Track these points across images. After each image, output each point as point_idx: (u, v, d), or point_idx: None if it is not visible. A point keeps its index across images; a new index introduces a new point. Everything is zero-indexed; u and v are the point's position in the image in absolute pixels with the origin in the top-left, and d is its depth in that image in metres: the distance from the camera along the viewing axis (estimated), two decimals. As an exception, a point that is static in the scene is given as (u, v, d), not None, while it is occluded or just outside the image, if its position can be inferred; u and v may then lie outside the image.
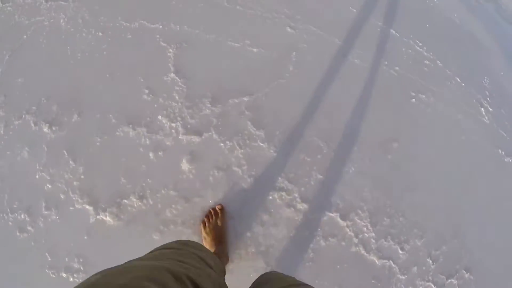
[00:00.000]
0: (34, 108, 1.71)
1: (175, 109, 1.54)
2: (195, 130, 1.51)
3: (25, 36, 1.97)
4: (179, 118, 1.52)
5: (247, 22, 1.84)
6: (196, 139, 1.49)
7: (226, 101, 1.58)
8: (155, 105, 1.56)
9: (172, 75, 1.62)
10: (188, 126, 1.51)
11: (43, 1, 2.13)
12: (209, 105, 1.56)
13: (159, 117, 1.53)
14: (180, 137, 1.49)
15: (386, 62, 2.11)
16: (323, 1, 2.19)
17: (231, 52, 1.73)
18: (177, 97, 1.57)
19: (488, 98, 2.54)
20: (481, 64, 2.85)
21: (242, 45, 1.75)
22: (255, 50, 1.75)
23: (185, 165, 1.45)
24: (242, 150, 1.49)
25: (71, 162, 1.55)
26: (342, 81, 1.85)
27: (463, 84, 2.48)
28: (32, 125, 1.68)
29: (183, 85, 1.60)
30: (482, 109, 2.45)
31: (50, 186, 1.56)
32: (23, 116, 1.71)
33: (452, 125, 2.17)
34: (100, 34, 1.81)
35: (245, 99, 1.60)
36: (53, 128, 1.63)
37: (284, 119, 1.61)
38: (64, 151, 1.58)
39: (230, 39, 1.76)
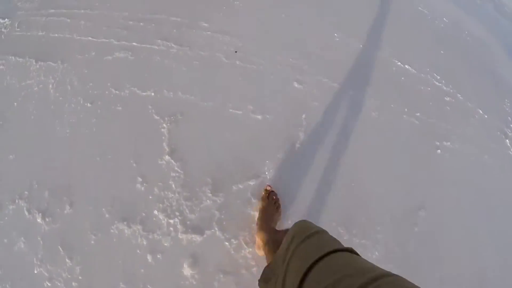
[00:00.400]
0: (26, 193, 1.44)
1: (172, 201, 1.23)
2: (196, 227, 1.19)
3: (15, 103, 1.67)
4: (177, 213, 1.21)
5: (248, 81, 1.45)
6: (197, 238, 1.18)
7: (229, 188, 1.25)
8: (150, 197, 1.25)
9: (167, 157, 1.29)
10: (188, 222, 1.20)
11: (33, 61, 1.81)
12: (210, 194, 1.23)
13: (155, 211, 1.22)
14: (180, 236, 1.19)
15: (406, 109, 1.68)
16: (329, 42, 1.75)
17: (232, 122, 1.36)
18: (173, 186, 1.25)
19: (511, 125, 2.11)
20: (498, 82, 2.38)
21: (245, 111, 1.38)
22: (259, 117, 1.38)
23: (186, 270, 1.16)
24: (250, 249, 1.17)
25: (67, 260, 1.29)
26: (360, 142, 1.46)
27: (485, 116, 2.06)
28: (26, 212, 1.42)
29: (180, 170, 1.27)
30: (507, 140, 2.03)
31: (49, 284, 1.31)
32: (16, 201, 1.45)
33: (480, 169, 1.77)
34: (88, 105, 1.49)
35: (251, 183, 1.26)
36: (47, 220, 1.36)
37: (296, 203, 1.27)
38: (59, 247, 1.32)
39: (231, 105, 1.39)
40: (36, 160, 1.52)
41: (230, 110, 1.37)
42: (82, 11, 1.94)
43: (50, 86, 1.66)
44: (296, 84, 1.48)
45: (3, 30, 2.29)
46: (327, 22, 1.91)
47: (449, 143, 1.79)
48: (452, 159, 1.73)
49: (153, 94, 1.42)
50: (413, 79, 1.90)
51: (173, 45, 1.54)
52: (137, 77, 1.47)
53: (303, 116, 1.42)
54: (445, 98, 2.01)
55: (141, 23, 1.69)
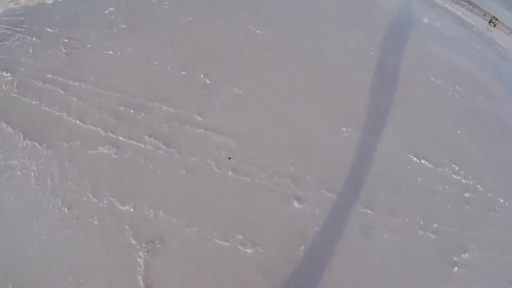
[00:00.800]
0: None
1: None
2: None
3: (-1, 185, 1.47)
4: None
5: (240, 201, 1.19)
6: None
7: None
8: None
9: (140, 298, 1.03)
10: None
11: (22, 137, 1.61)
12: None
13: None
14: None
15: (422, 222, 1.38)
16: (336, 139, 1.46)
17: (217, 257, 1.12)
18: (144, 336, 1.00)
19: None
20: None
21: (232, 243, 1.12)
22: (248, 251, 1.12)
23: None
24: None
25: None
26: (369, 277, 1.16)
27: (506, 204, 1.76)
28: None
29: (153, 317, 1.01)
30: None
31: None
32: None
33: (500, 279, 1.44)
34: (66, 210, 1.28)
35: None
36: None
37: None
38: None
39: (217, 233, 1.13)
40: (12, 258, 1.31)
41: (216, 240, 1.11)
42: (77, 83, 1.72)
43: (32, 174, 1.45)
44: (296, 203, 1.20)
45: (3, 86, 2.11)
46: (334, 116, 1.62)
47: (467, 255, 1.47)
48: (470, 275, 1.41)
49: (132, 210, 1.18)
50: (431, 177, 1.57)
51: (161, 144, 1.29)
52: (118, 185, 1.24)
53: (301, 248, 1.14)
54: (465, 194, 1.67)
55: (132, 110, 1.46)
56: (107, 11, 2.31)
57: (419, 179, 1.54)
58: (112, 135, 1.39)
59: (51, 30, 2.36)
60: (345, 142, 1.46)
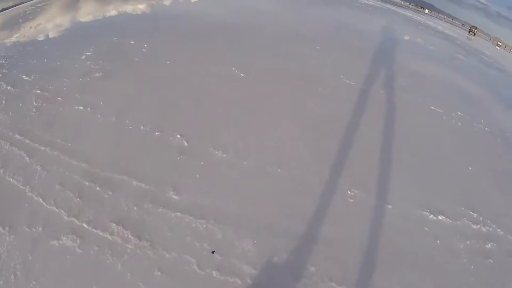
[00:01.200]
0: None
1: None
2: None
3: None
4: None
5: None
6: None
7: None
8: None
9: None
10: None
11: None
12: None
13: None
14: None
15: None
16: (339, 206, 1.15)
17: None
18: None
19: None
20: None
21: None
22: None
23: None
24: None
25: None
26: None
27: None
28: None
29: None
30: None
31: None
32: None
33: None
34: None
35: None
36: None
37: None
38: None
39: None
40: None
41: None
42: (43, 148, 1.44)
43: (-4, 267, 1.17)
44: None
45: (-28, 145, 1.81)
46: (336, 177, 1.31)
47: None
48: None
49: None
50: (450, 235, 1.29)
51: (130, 235, 1.01)
52: (86, 273, 0.94)
53: None
54: (486, 245, 1.40)
55: (98, 187, 1.17)
56: (83, 56, 1.99)
57: (438, 241, 1.25)
58: (76, 221, 1.11)
59: (26, 78, 2.05)
60: (352, 210, 1.16)
